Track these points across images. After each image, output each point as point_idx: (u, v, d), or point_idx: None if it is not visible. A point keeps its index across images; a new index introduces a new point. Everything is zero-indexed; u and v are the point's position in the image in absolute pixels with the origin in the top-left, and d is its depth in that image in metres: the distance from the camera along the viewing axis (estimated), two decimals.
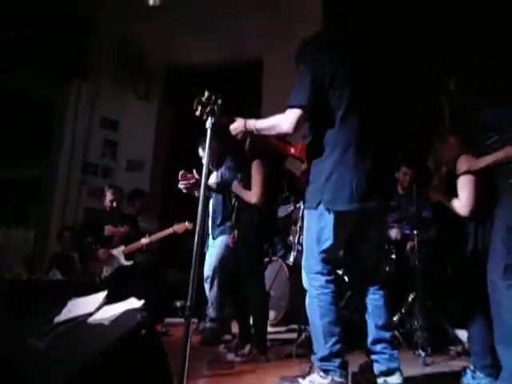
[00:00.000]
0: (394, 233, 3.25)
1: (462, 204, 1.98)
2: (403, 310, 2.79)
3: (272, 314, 2.98)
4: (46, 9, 5.15)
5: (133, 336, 1.18)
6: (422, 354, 2.42)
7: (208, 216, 3.12)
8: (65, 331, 1.30)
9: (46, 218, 5.07)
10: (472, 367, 1.94)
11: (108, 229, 3.51)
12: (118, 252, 3.41)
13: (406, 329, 2.79)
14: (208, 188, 3.02)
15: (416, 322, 2.65)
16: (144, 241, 3.36)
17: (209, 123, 1.69)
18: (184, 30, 5.76)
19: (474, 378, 1.91)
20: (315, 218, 1.73)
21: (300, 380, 1.74)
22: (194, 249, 1.53)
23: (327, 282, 1.71)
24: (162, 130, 6.00)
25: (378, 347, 1.75)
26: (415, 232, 2.81)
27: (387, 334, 1.77)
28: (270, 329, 2.88)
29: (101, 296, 1.44)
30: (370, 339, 1.78)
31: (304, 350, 2.39)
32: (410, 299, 2.79)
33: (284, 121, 1.73)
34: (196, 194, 3.10)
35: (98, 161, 5.64)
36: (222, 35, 5.67)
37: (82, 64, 5.50)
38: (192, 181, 2.67)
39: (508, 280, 1.72)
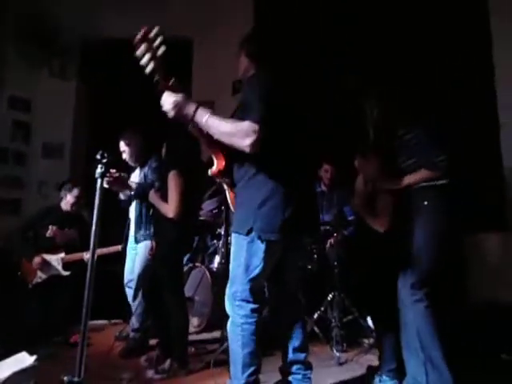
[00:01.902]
0: None
1: (379, 224, 2.06)
2: (322, 308, 2.92)
3: (195, 321, 2.97)
4: None
5: None
6: (337, 354, 2.57)
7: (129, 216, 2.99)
8: None
9: None
10: (379, 372, 2.09)
11: (52, 230, 3.19)
12: (57, 259, 3.14)
13: (325, 324, 2.93)
14: (129, 188, 2.86)
15: (333, 320, 2.80)
16: (86, 256, 3.10)
17: (150, 68, 1.46)
18: (106, 4, 5.28)
19: (380, 381, 2.07)
20: (245, 244, 1.66)
21: None
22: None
23: (252, 310, 1.68)
24: (81, 111, 5.53)
25: (294, 368, 1.82)
26: (334, 234, 2.92)
27: (302, 356, 1.83)
28: (194, 336, 2.89)
29: None
30: (287, 360, 1.83)
31: (227, 356, 2.42)
32: (329, 298, 2.92)
33: (247, 134, 1.53)
34: (123, 196, 2.93)
35: (8, 145, 5.08)
36: (147, 12, 5.30)
37: None
38: (115, 175, 2.44)
39: (414, 296, 1.85)
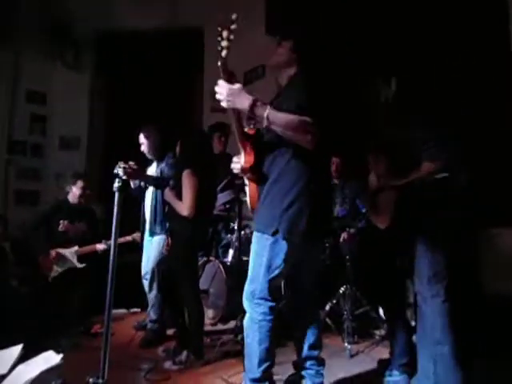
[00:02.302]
0: None
1: (380, 220, 2.09)
2: (334, 301, 2.97)
3: (211, 313, 3.05)
4: None
5: None
6: (348, 346, 2.62)
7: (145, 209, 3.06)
8: None
9: None
10: (390, 366, 2.14)
11: (63, 224, 3.29)
12: (71, 253, 3.25)
13: (337, 316, 2.98)
14: (146, 179, 2.93)
15: (345, 312, 2.85)
16: (100, 246, 3.24)
17: (224, 54, 1.49)
18: None
19: (390, 375, 2.12)
20: (268, 244, 1.69)
21: None
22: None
23: (270, 308, 1.72)
24: (97, 102, 5.60)
25: (308, 363, 1.88)
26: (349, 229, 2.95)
27: (316, 352, 1.88)
28: (209, 328, 2.99)
29: (14, 351, 1.38)
30: (301, 356, 1.90)
31: (241, 347, 2.50)
32: (341, 290, 2.96)
33: (308, 130, 1.56)
34: (133, 184, 3.00)
35: (26, 138, 5.21)
36: (161, 2, 5.29)
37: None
38: (134, 167, 2.50)
39: (430, 291, 1.87)
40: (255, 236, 1.77)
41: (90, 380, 1.14)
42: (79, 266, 3.26)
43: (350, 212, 3.31)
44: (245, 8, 4.94)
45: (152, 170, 3.09)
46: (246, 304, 1.78)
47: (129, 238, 3.20)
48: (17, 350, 1.40)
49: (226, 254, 3.27)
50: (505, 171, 2.95)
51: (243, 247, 2.91)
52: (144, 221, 3.01)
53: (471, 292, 2.74)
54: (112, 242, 1.43)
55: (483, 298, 2.85)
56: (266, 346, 1.72)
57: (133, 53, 5.35)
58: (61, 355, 1.35)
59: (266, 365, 1.73)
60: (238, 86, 1.59)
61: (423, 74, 3.01)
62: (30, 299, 3.06)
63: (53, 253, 3.24)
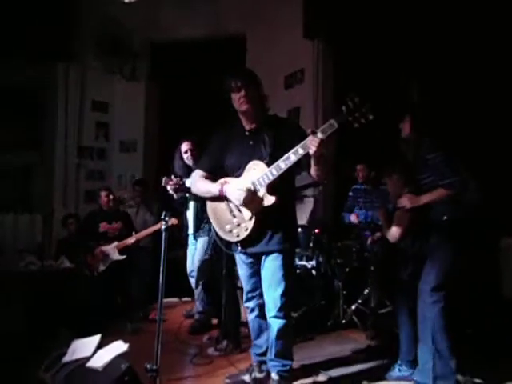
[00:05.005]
0: (352, 217, 3.68)
1: (392, 235, 2.36)
2: (360, 300, 3.28)
3: None
4: None
5: (119, 382, 1.63)
6: (372, 342, 2.97)
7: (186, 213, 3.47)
8: (70, 373, 1.76)
9: (49, 203, 5.47)
10: (399, 362, 2.44)
11: (102, 225, 3.91)
12: (112, 248, 3.82)
13: (362, 315, 3.29)
14: (188, 192, 3.34)
15: (370, 311, 3.16)
16: (130, 240, 3.79)
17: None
18: (167, 6, 5.73)
19: (400, 370, 2.42)
20: None
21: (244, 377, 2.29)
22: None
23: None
24: (151, 109, 6.18)
25: None
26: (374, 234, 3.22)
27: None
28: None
29: (96, 339, 1.89)
30: None
31: None
32: (366, 291, 3.27)
33: None
34: (176, 196, 3.44)
35: (93, 143, 5.92)
36: (204, 11, 5.66)
37: (66, 47, 5.51)
38: (178, 184, 3.05)
39: (432, 297, 2.19)
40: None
41: (148, 366, 1.59)
42: (121, 257, 3.80)
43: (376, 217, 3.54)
44: (283, 13, 5.21)
45: (188, 182, 3.40)
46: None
47: (157, 226, 3.63)
48: (97, 338, 1.91)
49: None
50: None
51: None
52: (187, 226, 3.46)
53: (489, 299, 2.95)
54: (160, 273, 1.80)
55: (505, 303, 3.04)
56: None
57: (182, 61, 5.81)
58: (127, 344, 1.83)
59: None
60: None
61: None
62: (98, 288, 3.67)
63: (98, 250, 3.80)
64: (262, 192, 2.04)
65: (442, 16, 3.61)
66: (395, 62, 4.00)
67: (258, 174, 2.05)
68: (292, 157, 1.95)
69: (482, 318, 2.92)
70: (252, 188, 2.04)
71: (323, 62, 4.89)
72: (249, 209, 2.07)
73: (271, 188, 2.03)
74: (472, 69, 3.46)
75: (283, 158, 1.97)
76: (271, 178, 2.00)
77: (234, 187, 2.08)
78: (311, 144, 1.86)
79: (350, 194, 3.90)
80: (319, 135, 1.85)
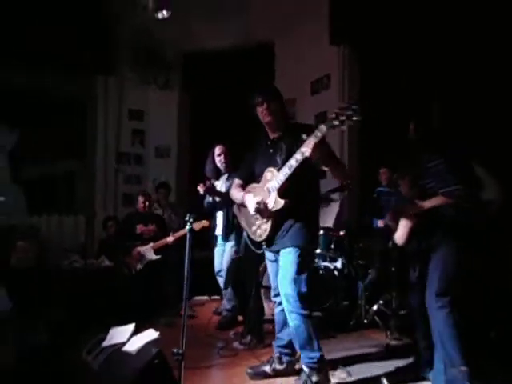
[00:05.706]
0: (379, 222, 3.76)
1: (399, 238, 2.44)
2: (381, 301, 3.36)
3: (272, 305, 3.64)
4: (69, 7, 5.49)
5: (150, 365, 1.84)
6: (392, 342, 3.05)
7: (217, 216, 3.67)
8: (109, 356, 1.99)
9: (91, 206, 5.88)
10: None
11: (139, 227, 4.19)
12: (148, 248, 4.09)
13: (384, 316, 3.37)
14: (219, 195, 3.55)
15: (391, 312, 3.23)
16: (169, 239, 4.03)
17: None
18: (198, 18, 6.00)
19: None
20: None
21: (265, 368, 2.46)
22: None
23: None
24: (183, 116, 6.49)
25: None
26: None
27: None
28: (270, 317, 3.58)
29: (131, 327, 2.12)
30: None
31: None
32: (388, 293, 3.34)
33: None
34: (208, 198, 3.66)
35: (129, 149, 6.30)
36: (234, 21, 5.89)
37: (104, 60, 5.90)
38: (210, 185, 3.36)
39: (437, 302, 2.21)
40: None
41: (174, 350, 1.79)
42: (156, 257, 4.05)
43: None
44: (310, 20, 5.35)
45: (221, 183, 3.58)
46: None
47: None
48: (132, 326, 2.14)
49: None
50: None
51: None
52: (215, 227, 3.65)
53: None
54: (185, 273, 1.96)
55: None
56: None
57: (213, 71, 6.07)
58: (158, 332, 2.04)
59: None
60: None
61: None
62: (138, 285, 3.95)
63: (135, 251, 4.06)
64: (273, 196, 2.24)
65: (463, 20, 3.63)
66: (420, 66, 4.04)
67: (271, 180, 2.27)
68: (292, 162, 2.14)
69: (500, 323, 2.92)
70: (267, 192, 2.28)
71: (349, 67, 4.99)
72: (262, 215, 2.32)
73: (282, 192, 2.22)
74: (495, 70, 3.46)
75: (287, 164, 2.17)
76: (280, 182, 2.21)
77: (251, 198, 2.33)
78: (306, 148, 2.03)
79: (374, 195, 3.99)
80: (311, 139, 2.02)
